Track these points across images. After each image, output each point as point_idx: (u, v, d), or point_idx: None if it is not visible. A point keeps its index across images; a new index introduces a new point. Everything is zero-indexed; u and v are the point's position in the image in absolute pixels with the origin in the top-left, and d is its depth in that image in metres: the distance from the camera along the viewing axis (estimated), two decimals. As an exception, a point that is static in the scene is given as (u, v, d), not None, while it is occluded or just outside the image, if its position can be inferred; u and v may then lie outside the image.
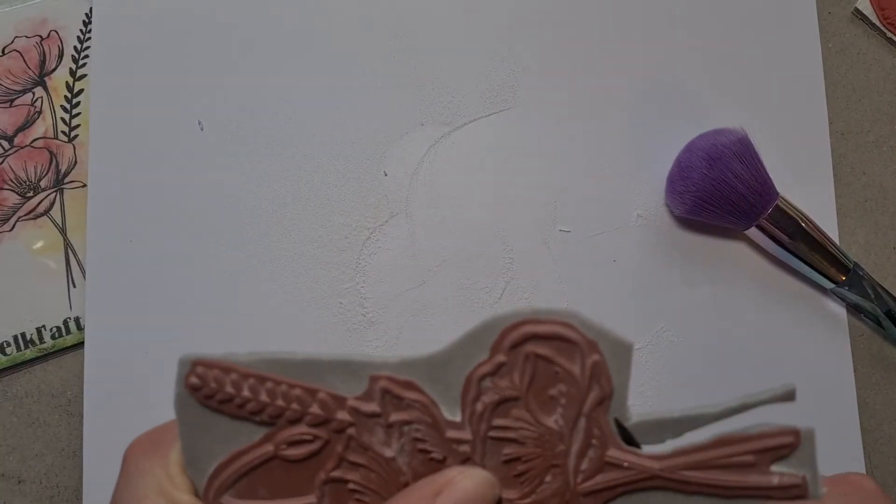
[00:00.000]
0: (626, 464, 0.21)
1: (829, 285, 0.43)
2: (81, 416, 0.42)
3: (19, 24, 0.45)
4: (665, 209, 0.45)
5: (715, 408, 0.22)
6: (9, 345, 0.43)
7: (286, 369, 0.21)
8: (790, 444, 0.21)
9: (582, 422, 0.21)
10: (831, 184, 0.45)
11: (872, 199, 0.46)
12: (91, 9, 0.46)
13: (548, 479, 0.22)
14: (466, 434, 0.22)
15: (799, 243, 0.42)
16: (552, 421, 0.22)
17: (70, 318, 0.43)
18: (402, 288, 0.43)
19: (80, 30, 0.46)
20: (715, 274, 0.44)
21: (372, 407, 0.21)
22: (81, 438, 0.42)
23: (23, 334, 0.43)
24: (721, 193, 0.41)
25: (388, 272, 0.44)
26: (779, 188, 0.42)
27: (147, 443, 0.24)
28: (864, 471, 0.43)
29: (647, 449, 0.22)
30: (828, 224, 0.44)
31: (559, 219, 0.44)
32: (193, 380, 0.21)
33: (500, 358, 0.21)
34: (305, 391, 0.21)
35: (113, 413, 0.42)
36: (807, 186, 0.45)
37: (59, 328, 0.43)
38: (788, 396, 0.22)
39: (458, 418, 0.22)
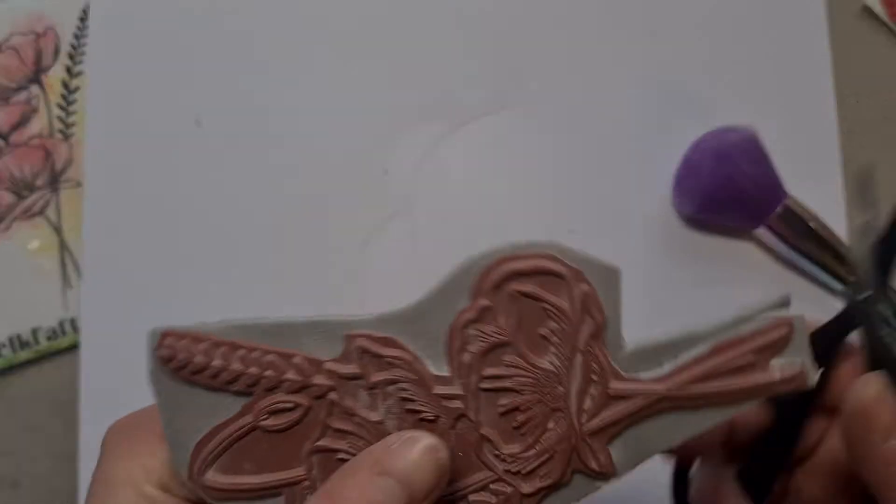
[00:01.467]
0: (631, 392, 0.20)
1: (838, 286, 0.42)
2: (77, 418, 0.41)
3: (15, 21, 0.45)
4: (672, 208, 0.44)
5: (709, 325, 0.21)
6: (3, 346, 0.42)
7: (259, 335, 0.20)
8: (786, 337, 0.20)
9: (578, 358, 0.20)
10: (840, 182, 0.45)
11: (882, 199, 0.46)
12: (87, 6, 0.45)
13: (550, 425, 0.21)
14: (457, 388, 0.21)
15: (808, 243, 0.42)
16: (547, 362, 0.20)
17: (66, 320, 0.43)
18: (402, 288, 0.43)
19: (77, 27, 0.45)
20: (723, 274, 0.44)
21: (351, 368, 0.20)
22: (77, 441, 0.41)
23: (18, 336, 0.43)
24: (729, 192, 0.40)
25: (388, 272, 0.43)
26: (787, 187, 0.42)
27: (124, 427, 0.24)
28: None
29: (647, 375, 0.21)
30: (837, 224, 0.44)
31: (563, 218, 0.44)
32: (163, 351, 0.20)
33: (483, 302, 0.20)
34: (280, 356, 0.20)
35: (109, 416, 0.41)
36: (816, 185, 0.44)
37: (54, 330, 0.43)
38: (783, 303, 0.21)
39: (445, 372, 0.21)
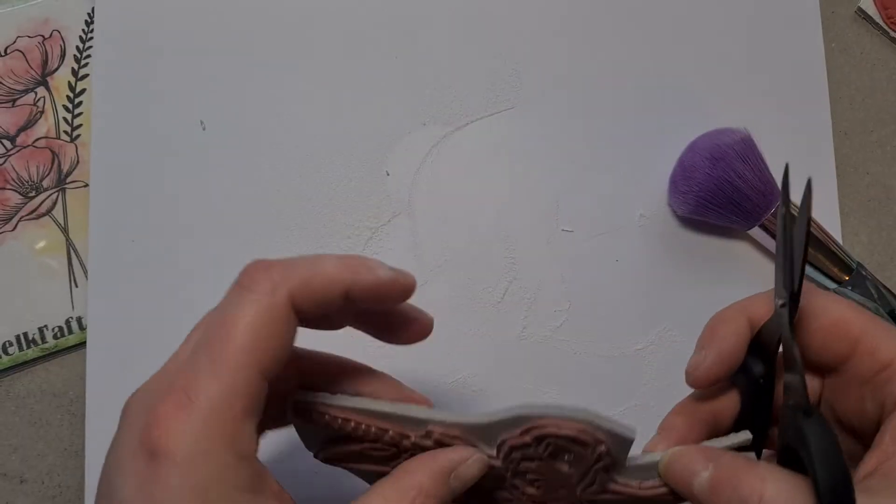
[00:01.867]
0: (621, 491, 0.28)
1: (832, 285, 0.43)
2: (83, 415, 0.42)
3: (22, 24, 0.46)
4: (668, 209, 0.45)
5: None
6: (11, 344, 0.43)
7: (370, 415, 0.28)
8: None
9: (591, 472, 0.27)
10: (835, 184, 0.45)
11: (876, 198, 0.46)
12: (93, 9, 0.46)
13: (560, 491, 0.28)
14: (498, 462, 0.28)
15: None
16: (565, 466, 0.27)
17: (72, 318, 0.43)
18: (404, 288, 0.43)
19: (83, 30, 0.46)
20: (718, 274, 0.44)
21: (428, 443, 0.28)
22: (83, 438, 0.42)
23: (25, 334, 0.43)
24: (724, 193, 0.41)
25: (390, 272, 0.43)
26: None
27: (181, 412, 0.23)
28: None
29: (634, 482, 0.28)
30: (831, 224, 0.44)
31: (562, 219, 0.44)
32: (294, 419, 0.28)
33: (527, 439, 0.26)
34: (379, 430, 0.28)
35: (115, 413, 0.41)
36: (810, 186, 0.44)
37: (61, 328, 0.43)
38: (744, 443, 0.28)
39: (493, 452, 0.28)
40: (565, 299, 0.44)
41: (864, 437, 0.28)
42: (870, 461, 0.26)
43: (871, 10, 0.47)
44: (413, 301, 0.43)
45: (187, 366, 0.25)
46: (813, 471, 0.23)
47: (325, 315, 0.28)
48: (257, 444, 0.25)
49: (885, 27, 0.47)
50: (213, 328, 0.25)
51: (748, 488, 0.24)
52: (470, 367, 0.43)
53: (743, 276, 0.44)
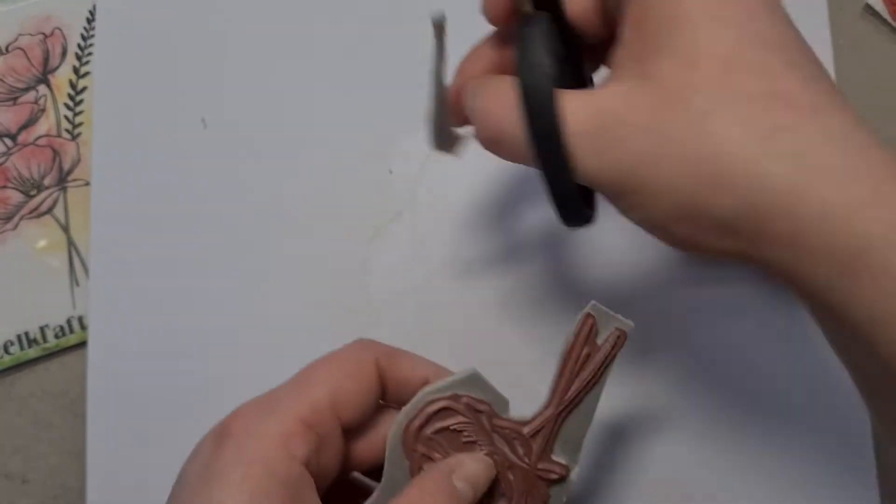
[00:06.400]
0: (539, 426, 0.29)
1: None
2: (85, 415, 0.42)
3: (23, 22, 0.46)
4: (673, 207, 0.44)
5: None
6: (12, 344, 0.43)
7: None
8: (593, 324, 0.29)
9: (495, 436, 0.29)
10: (842, 181, 0.45)
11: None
12: (94, 6, 0.46)
13: (510, 476, 0.29)
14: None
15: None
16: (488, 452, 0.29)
17: (73, 317, 0.43)
18: (408, 286, 0.43)
19: (84, 27, 0.46)
20: (719, 273, 0.44)
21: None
22: (85, 438, 0.41)
23: (26, 333, 0.43)
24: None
25: (394, 270, 0.43)
26: (789, 186, 0.42)
27: (258, 408, 0.27)
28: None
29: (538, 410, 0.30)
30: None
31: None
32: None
33: (422, 448, 0.29)
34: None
35: (116, 413, 0.42)
36: (817, 184, 0.44)
37: (62, 327, 0.43)
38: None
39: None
40: (568, 298, 0.43)
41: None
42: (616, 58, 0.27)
43: (879, 6, 0.47)
44: (414, 300, 0.44)
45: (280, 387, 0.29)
46: (518, 74, 0.23)
47: None
48: (308, 462, 0.26)
49: (894, 24, 0.47)
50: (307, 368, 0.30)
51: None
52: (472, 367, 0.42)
53: (745, 275, 0.44)
